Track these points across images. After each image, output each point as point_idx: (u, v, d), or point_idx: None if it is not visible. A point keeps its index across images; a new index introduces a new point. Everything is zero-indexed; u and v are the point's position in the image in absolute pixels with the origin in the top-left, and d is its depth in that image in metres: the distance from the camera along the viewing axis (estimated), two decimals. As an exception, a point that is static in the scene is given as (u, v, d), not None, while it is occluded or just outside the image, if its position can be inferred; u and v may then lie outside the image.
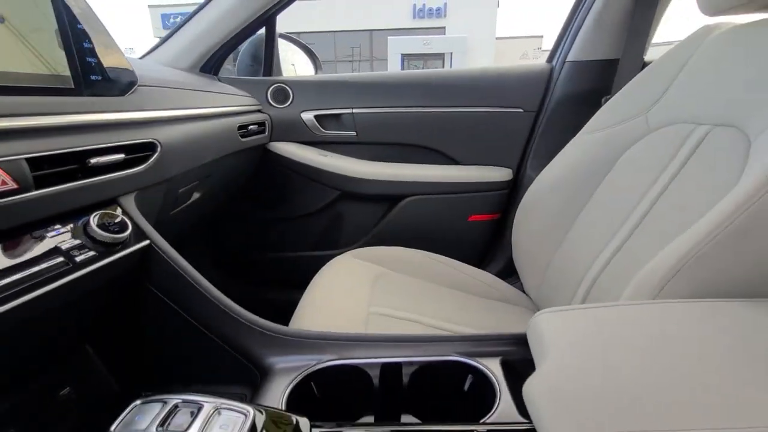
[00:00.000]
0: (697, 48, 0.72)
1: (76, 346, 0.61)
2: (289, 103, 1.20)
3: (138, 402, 0.37)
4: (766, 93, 0.56)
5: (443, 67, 15.03)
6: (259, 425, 0.37)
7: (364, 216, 1.24)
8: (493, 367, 0.51)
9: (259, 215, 1.29)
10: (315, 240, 1.29)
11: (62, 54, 0.50)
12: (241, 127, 1.01)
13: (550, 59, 1.20)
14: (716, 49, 0.68)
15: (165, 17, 17.22)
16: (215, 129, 0.89)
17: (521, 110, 1.18)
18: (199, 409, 0.36)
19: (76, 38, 0.51)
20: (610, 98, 0.86)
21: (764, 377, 0.35)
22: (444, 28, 15.67)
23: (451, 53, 14.88)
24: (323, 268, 0.91)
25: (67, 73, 0.50)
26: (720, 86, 0.64)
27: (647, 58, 1.05)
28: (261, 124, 1.13)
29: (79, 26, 0.52)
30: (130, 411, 0.36)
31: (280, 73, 1.26)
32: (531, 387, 0.38)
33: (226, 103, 0.97)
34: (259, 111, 1.16)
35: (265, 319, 0.59)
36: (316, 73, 1.43)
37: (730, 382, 0.35)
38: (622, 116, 0.79)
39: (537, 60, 1.57)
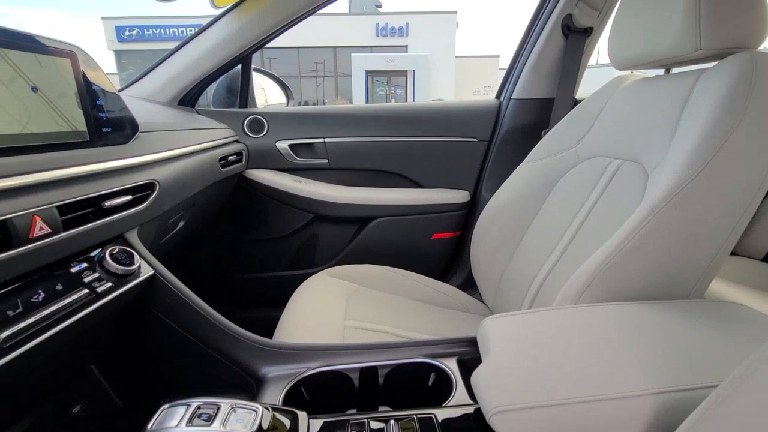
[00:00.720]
0: (612, 94, 0.87)
1: (84, 367, 0.67)
2: (264, 133, 1.29)
3: (165, 406, 0.45)
4: (660, 135, 0.69)
5: (406, 82, 15.46)
6: (267, 419, 0.46)
7: (336, 237, 1.33)
8: (451, 365, 0.61)
9: (237, 238, 1.35)
10: (290, 261, 1.36)
11: (80, 112, 0.58)
12: (221, 158, 1.09)
13: (498, 96, 1.36)
14: (626, 96, 0.84)
15: (120, 29, 16.72)
16: (201, 163, 0.97)
17: (475, 140, 1.33)
18: (218, 408, 0.45)
19: (91, 98, 0.59)
20: (548, 131, 1.01)
21: (641, 358, 0.48)
22: (406, 46, 16.17)
23: (414, 70, 15.35)
24: (300, 286, 0.99)
25: (84, 128, 0.58)
26: (628, 127, 0.78)
27: (577, 96, 1.23)
28: (238, 153, 1.21)
29: (93, 87, 0.60)
30: (160, 413, 0.44)
31: (254, 105, 1.35)
32: (476, 376, 0.49)
33: (208, 138, 1.05)
34: (236, 141, 1.24)
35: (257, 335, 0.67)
36: (288, 103, 1.53)
37: (618, 362, 0.48)
38: (558, 148, 0.92)
39: (487, 96, 1.75)
